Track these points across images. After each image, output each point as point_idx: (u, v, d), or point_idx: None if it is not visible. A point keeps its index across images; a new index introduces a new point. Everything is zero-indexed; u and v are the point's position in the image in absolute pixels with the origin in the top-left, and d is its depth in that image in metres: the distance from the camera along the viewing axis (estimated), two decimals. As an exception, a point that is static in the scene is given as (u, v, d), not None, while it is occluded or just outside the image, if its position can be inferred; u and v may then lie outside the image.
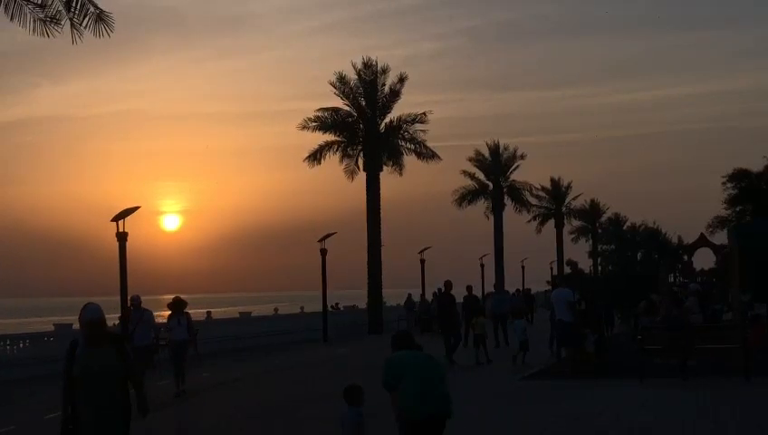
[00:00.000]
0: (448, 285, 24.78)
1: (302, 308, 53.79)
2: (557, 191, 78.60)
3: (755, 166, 50.30)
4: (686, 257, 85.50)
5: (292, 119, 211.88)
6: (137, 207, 26.58)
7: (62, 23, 18.85)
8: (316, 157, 46.46)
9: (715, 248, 74.34)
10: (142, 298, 20.42)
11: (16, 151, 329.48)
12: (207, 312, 47.46)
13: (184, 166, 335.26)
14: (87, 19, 18.74)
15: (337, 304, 54.74)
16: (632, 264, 71.74)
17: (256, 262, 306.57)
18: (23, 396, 19.98)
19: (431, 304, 41.57)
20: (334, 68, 70.15)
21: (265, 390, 19.91)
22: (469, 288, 28.56)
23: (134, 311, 19.70)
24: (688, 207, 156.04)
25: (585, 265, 78.37)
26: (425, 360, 8.32)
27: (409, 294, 46.10)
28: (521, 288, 52.76)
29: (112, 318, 39.93)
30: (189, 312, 20.17)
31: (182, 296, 19.85)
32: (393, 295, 47.22)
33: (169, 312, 19.78)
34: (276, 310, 54.24)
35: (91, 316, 7.76)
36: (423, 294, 45.62)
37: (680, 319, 19.42)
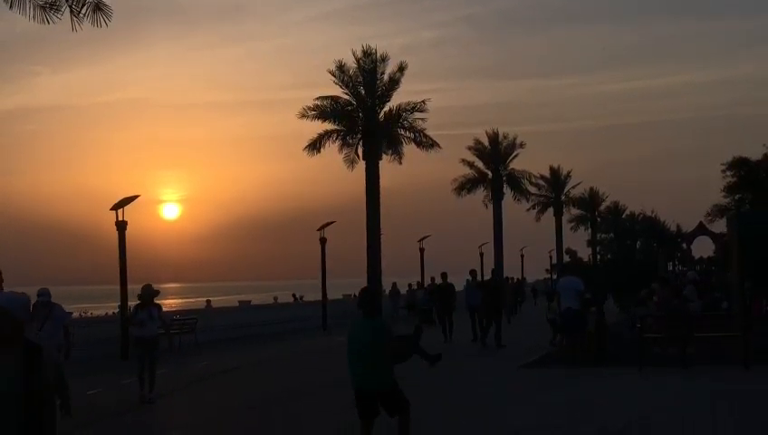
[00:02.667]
0: (494, 273, 28.43)
1: (301, 297, 53.90)
2: (556, 180, 78.58)
3: (755, 154, 50.31)
4: (684, 246, 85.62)
5: (292, 107, 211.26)
6: (136, 196, 26.63)
7: (62, 9, 18.83)
8: (315, 146, 46.41)
9: (714, 237, 74.45)
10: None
11: (16, 140, 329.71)
12: (207, 300, 47.51)
13: (183, 155, 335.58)
14: (85, 8, 18.72)
15: (301, 296, 54.82)
16: (631, 252, 71.82)
17: (256, 251, 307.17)
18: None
19: (417, 295, 41.46)
20: (334, 56, 69.78)
21: (264, 379, 19.93)
22: (444, 275, 29.83)
23: (40, 306, 15.73)
24: (687, 196, 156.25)
25: (584, 253, 78.51)
26: None
27: (394, 284, 45.97)
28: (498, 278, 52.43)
29: (111, 307, 39.96)
30: (162, 302, 17.04)
31: (153, 285, 16.89)
32: (389, 285, 47.26)
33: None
34: (276, 299, 54.40)
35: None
36: (421, 283, 45.55)
37: (680, 308, 19.45)
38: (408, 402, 9.16)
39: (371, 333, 8.94)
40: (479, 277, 29.95)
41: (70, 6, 18.73)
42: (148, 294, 16.57)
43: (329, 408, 14.35)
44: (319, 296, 39.92)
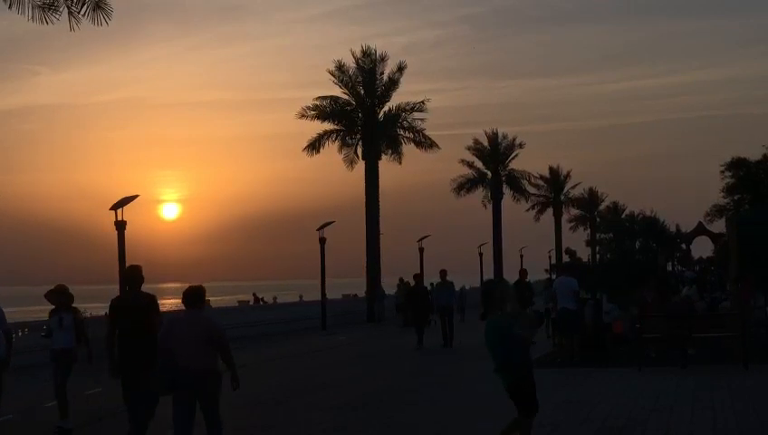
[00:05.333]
0: (523, 273, 26.88)
1: (300, 297, 53.88)
2: (555, 180, 78.66)
3: (754, 155, 50.37)
4: (684, 246, 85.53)
5: (292, 107, 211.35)
6: (135, 196, 26.59)
7: (61, 9, 18.79)
8: (315, 146, 46.46)
9: (714, 237, 74.35)
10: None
11: (16, 139, 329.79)
12: (206, 300, 47.32)
13: (183, 154, 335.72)
14: (85, 7, 18.69)
15: (262, 298, 54.61)
16: (631, 252, 71.84)
17: (255, 251, 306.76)
18: (21, 384, 19.98)
19: (400, 294, 40.10)
20: (334, 56, 70.20)
21: (264, 378, 19.92)
22: (417, 276, 29.33)
23: None
24: (687, 196, 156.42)
25: (583, 253, 78.41)
26: None
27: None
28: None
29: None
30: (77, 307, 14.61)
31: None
32: (392, 284, 47.21)
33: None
34: (275, 299, 54.39)
35: None
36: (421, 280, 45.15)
37: (682, 307, 19.46)
38: (528, 407, 9.17)
39: (487, 331, 9.24)
40: (482, 278, 29.76)
41: (68, 6, 18.69)
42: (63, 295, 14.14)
43: (328, 406, 14.36)
44: (318, 296, 39.87)
